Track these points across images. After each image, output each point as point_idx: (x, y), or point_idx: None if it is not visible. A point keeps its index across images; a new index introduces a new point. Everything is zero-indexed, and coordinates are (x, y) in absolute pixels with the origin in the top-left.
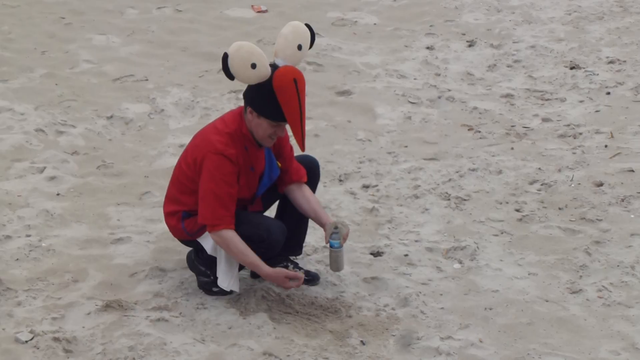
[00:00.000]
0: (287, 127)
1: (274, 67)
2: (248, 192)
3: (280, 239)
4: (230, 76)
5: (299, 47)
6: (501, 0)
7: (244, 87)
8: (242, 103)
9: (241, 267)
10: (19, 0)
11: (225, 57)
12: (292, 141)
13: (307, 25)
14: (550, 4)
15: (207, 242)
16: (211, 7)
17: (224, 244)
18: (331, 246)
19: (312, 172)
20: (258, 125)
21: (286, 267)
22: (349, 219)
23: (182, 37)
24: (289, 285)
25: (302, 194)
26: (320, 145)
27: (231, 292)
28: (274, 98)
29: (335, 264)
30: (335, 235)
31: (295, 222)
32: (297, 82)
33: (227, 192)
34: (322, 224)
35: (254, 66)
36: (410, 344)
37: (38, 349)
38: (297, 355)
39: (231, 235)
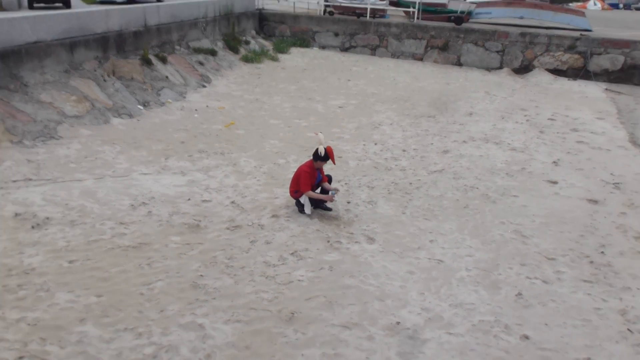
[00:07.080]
0: (324, 166)
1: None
2: (313, 182)
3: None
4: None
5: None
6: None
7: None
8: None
9: (316, 207)
10: (245, 107)
11: (317, 149)
12: (327, 171)
13: (329, 146)
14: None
15: (301, 198)
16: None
17: (307, 195)
18: (331, 194)
19: (330, 178)
20: (317, 164)
21: (326, 207)
22: (338, 199)
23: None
24: (329, 199)
25: (325, 184)
26: (334, 170)
27: (308, 214)
28: (321, 156)
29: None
30: (333, 192)
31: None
32: (331, 151)
33: (308, 181)
34: (327, 190)
35: (320, 148)
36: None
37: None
38: (329, 232)
39: (310, 193)
